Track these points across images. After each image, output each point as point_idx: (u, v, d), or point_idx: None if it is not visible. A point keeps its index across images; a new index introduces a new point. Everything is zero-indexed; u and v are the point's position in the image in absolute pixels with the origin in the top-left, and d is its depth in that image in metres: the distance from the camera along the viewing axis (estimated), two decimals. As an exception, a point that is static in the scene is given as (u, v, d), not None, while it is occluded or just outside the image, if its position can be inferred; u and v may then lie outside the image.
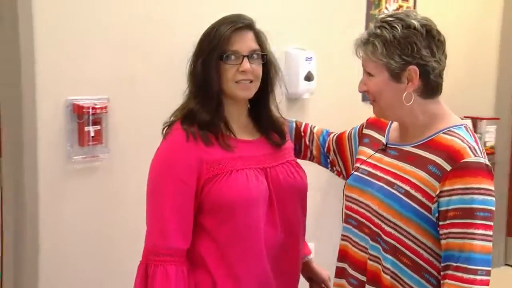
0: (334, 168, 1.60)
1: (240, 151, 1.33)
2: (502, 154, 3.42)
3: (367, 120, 1.49)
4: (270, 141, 1.41)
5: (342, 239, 1.38)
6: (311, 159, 1.63)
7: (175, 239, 1.29)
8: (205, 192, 1.29)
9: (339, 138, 1.57)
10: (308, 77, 2.46)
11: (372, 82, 1.25)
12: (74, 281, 1.90)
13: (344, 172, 1.56)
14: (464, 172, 1.12)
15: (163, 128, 1.35)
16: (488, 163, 1.15)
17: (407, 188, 1.19)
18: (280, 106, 2.61)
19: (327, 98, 2.58)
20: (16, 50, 1.77)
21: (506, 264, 3.51)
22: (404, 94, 1.21)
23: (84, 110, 1.84)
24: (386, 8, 3.18)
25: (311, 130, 1.63)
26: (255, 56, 1.32)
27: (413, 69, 1.19)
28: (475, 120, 3.38)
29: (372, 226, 1.26)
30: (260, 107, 1.41)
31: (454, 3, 3.34)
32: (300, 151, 1.62)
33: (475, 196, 1.10)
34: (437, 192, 1.14)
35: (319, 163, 1.63)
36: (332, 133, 1.62)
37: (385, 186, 1.24)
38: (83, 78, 1.89)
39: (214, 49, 1.29)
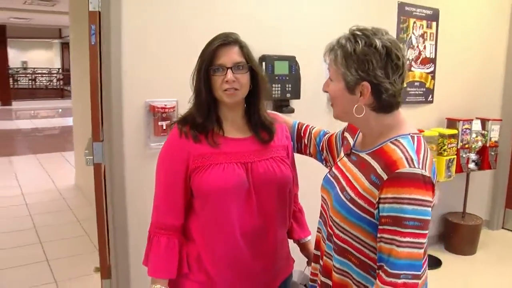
0: (328, 164, 1.68)
1: (225, 148, 1.48)
2: (504, 146, 4.31)
3: (348, 124, 1.52)
4: (259, 138, 1.53)
5: (317, 231, 1.46)
6: (310, 155, 1.75)
7: (166, 216, 1.50)
8: (191, 180, 1.47)
9: (329, 139, 1.66)
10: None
11: (331, 87, 1.28)
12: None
13: None
14: (397, 182, 1.12)
15: (170, 126, 1.58)
16: (425, 173, 1.13)
17: (352, 194, 1.22)
18: (322, 107, 3.00)
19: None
20: (108, 64, 2.28)
21: (503, 228, 4.59)
22: (355, 107, 1.23)
23: (156, 109, 2.34)
24: (413, 33, 3.41)
25: (310, 131, 1.75)
26: (240, 67, 1.46)
27: (366, 86, 1.19)
28: (483, 121, 3.86)
29: (328, 227, 1.33)
30: (251, 109, 1.55)
31: (469, 27, 3.93)
32: (301, 149, 1.76)
33: (405, 206, 1.10)
34: (377, 199, 1.15)
35: (316, 159, 1.74)
36: (327, 133, 1.71)
37: (339, 191, 1.29)
38: (158, 85, 2.36)
39: (204, 64, 1.45)
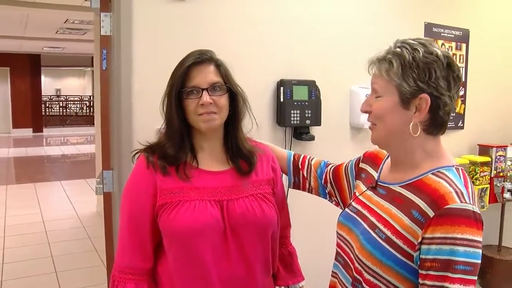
0: (332, 199, 1.53)
1: (198, 182, 1.30)
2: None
3: (364, 154, 1.41)
4: (239, 171, 1.36)
5: (332, 275, 1.30)
6: (310, 190, 1.57)
7: (132, 258, 1.29)
8: (159, 218, 1.28)
9: (336, 170, 1.50)
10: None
11: (378, 104, 1.13)
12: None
13: (341, 204, 1.49)
14: (447, 219, 0.98)
15: (133, 155, 1.38)
16: (477, 210, 1.00)
17: (388, 233, 1.08)
18: (345, 135, 2.88)
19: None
20: (118, 89, 2.20)
21: None
22: (411, 124, 1.09)
23: None
24: None
25: (309, 162, 1.57)
26: (217, 88, 1.30)
27: (425, 98, 1.07)
28: None
29: (354, 271, 1.16)
30: (230, 136, 1.38)
31: (501, 47, 3.72)
32: (299, 183, 1.58)
33: (456, 248, 0.96)
34: (419, 240, 1.01)
35: (318, 195, 1.56)
36: (330, 164, 1.56)
37: (368, 229, 1.14)
38: None
39: (174, 86, 1.29)
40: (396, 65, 1.09)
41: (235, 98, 1.35)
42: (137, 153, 1.38)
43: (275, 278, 1.50)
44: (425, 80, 1.07)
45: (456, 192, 1.01)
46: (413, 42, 1.10)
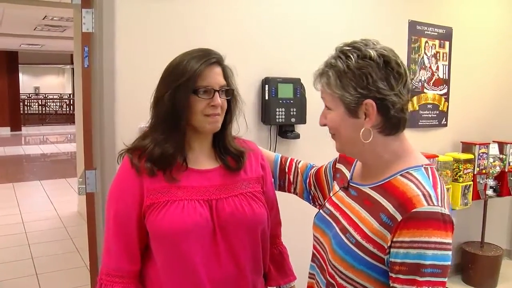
0: (316, 203, 1.51)
1: (186, 181, 1.28)
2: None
3: (340, 154, 1.37)
4: (228, 168, 1.35)
5: (309, 276, 1.29)
6: (295, 193, 1.57)
7: (119, 260, 1.27)
8: (146, 219, 1.26)
9: (318, 173, 1.49)
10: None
11: (330, 116, 1.14)
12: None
13: None
14: (414, 223, 0.97)
15: (118, 156, 1.36)
16: (445, 211, 0.99)
17: (358, 238, 1.07)
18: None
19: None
20: (101, 87, 2.16)
21: None
22: (362, 130, 1.08)
23: None
24: (425, 53, 3.32)
25: (295, 166, 1.56)
26: (225, 91, 1.31)
27: (370, 103, 1.06)
28: (501, 144, 3.77)
29: (328, 275, 1.16)
30: (219, 136, 1.37)
31: (484, 45, 3.78)
32: (284, 187, 1.57)
33: (423, 251, 0.96)
34: (389, 244, 1.01)
35: (302, 198, 1.55)
36: (314, 166, 1.54)
37: (339, 233, 1.13)
38: None
39: (185, 83, 1.25)
40: (334, 77, 1.08)
41: (231, 101, 1.35)
42: (122, 154, 1.35)
43: (266, 278, 1.48)
44: (364, 86, 1.05)
45: (424, 195, 1.00)
46: (347, 48, 1.09)
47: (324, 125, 1.18)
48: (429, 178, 1.06)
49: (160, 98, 1.28)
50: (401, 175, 1.07)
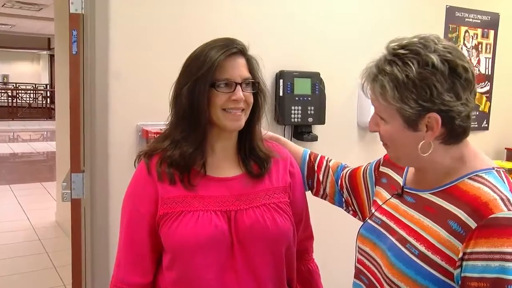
0: (350, 208, 1.54)
1: (203, 190, 1.33)
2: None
3: (384, 156, 1.40)
4: (250, 175, 1.39)
5: None
6: (324, 197, 1.58)
7: (130, 272, 1.35)
8: (160, 229, 1.32)
9: (352, 174, 1.51)
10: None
11: (384, 128, 1.15)
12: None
13: (359, 214, 1.51)
14: (493, 231, 0.97)
15: (136, 159, 1.44)
16: None
17: (422, 248, 1.08)
18: (351, 135, 2.91)
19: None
20: (92, 78, 2.21)
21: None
22: (421, 143, 1.10)
23: (150, 134, 2.23)
24: (465, 44, 3.34)
25: (326, 164, 1.58)
26: (249, 84, 1.35)
27: (434, 117, 1.07)
28: None
29: None
30: (245, 136, 1.42)
31: None
32: (313, 187, 1.59)
33: (507, 264, 0.94)
34: (460, 255, 1.01)
35: (333, 202, 1.57)
36: (346, 167, 1.56)
37: (397, 244, 1.14)
38: (152, 105, 2.28)
39: (204, 76, 1.29)
40: (390, 87, 1.09)
41: (258, 95, 1.40)
42: (139, 157, 1.42)
43: None
44: (427, 98, 1.06)
45: (502, 199, 1.01)
46: (404, 52, 1.09)
47: (375, 131, 1.19)
48: (504, 182, 1.07)
49: (178, 93, 1.34)
50: (469, 178, 1.09)
